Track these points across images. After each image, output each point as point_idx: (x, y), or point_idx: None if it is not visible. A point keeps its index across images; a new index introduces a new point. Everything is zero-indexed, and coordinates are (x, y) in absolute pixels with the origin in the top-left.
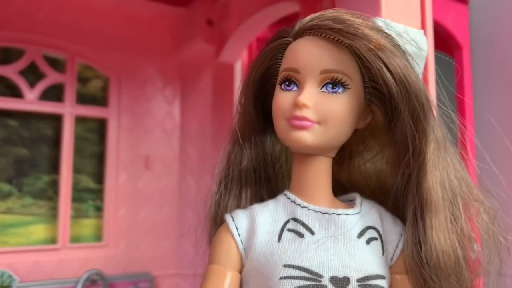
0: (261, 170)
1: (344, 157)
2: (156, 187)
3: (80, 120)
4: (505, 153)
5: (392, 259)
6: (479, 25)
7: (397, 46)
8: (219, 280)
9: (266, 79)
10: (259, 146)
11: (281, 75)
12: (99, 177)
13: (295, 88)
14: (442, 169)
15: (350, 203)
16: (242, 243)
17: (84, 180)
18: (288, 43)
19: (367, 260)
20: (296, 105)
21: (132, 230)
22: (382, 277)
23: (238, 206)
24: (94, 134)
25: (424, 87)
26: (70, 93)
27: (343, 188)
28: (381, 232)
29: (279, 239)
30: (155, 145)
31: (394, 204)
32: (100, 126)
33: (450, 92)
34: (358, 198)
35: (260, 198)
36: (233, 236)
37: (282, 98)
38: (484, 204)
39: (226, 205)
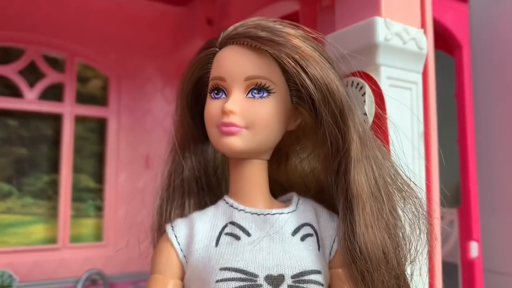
0: (203, 178)
1: (281, 159)
2: (156, 186)
3: (80, 120)
4: (505, 152)
5: (330, 254)
6: (479, 24)
7: (317, 51)
8: None
9: (199, 89)
10: (199, 155)
11: (210, 84)
12: (99, 177)
13: (223, 96)
14: (366, 163)
15: (289, 203)
16: (181, 250)
17: (84, 180)
18: (215, 53)
19: (301, 256)
20: (224, 112)
21: (132, 230)
22: (318, 271)
23: (182, 215)
24: (94, 133)
25: (342, 85)
26: (69, 93)
27: (283, 188)
28: (316, 228)
29: (217, 243)
30: (155, 144)
31: (330, 201)
32: (100, 126)
33: (450, 91)
34: (294, 197)
35: (204, 205)
36: (172, 245)
37: (212, 106)
38: (411, 193)
39: (169, 215)
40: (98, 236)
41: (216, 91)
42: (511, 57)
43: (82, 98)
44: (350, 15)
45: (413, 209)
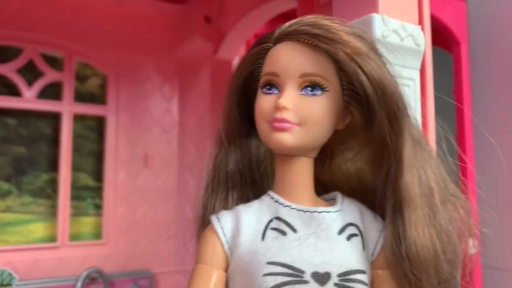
0: (247, 172)
1: (325, 158)
2: (155, 184)
3: (78, 118)
4: (503, 148)
5: (373, 254)
6: (477, 20)
7: (373, 49)
8: (205, 279)
9: (249, 84)
10: (244, 149)
11: (262, 79)
12: (98, 175)
13: (276, 91)
14: (418, 167)
15: (332, 202)
16: (227, 242)
17: (83, 178)
18: (269, 49)
19: (347, 255)
20: (277, 108)
21: (131, 228)
22: (363, 272)
23: (225, 208)
24: (93, 132)
25: (399, 88)
26: (68, 91)
27: (325, 187)
28: (361, 228)
29: (263, 237)
30: (154, 142)
31: (374, 202)
32: (99, 124)
33: (448, 88)
34: (339, 196)
35: (246, 199)
36: (218, 236)
37: (264, 101)
38: (460, 198)
39: (213, 207)
40: (97, 234)
41: (268, 86)
42: (509, 53)
43: (81, 97)
44: (348, 12)
45: (463, 216)
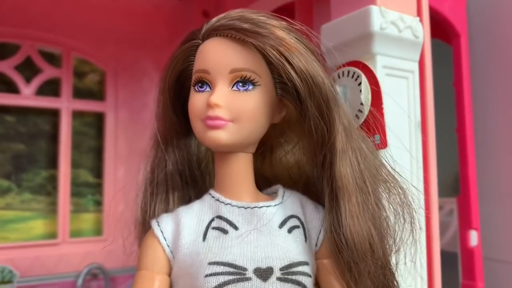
0: (187, 172)
1: (265, 152)
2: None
3: (77, 115)
4: (504, 140)
5: (316, 245)
6: (477, 12)
7: (301, 42)
8: (148, 285)
9: (182, 82)
10: (183, 149)
11: (193, 77)
12: (98, 171)
13: (207, 89)
14: (351, 154)
15: (274, 195)
16: (168, 246)
17: (83, 175)
18: (198, 45)
19: (289, 248)
20: (209, 105)
21: (132, 224)
22: (305, 263)
23: (166, 210)
24: (92, 128)
25: (327, 77)
26: (66, 88)
27: (268, 181)
28: (303, 220)
29: (204, 238)
30: None
31: (315, 192)
32: (98, 121)
33: (448, 81)
34: (280, 189)
35: (188, 199)
36: (159, 241)
37: (196, 100)
38: (394, 183)
39: (154, 210)
40: (98, 231)
41: (200, 84)
42: (509, 45)
43: (79, 93)
44: (346, 5)
45: (398, 200)
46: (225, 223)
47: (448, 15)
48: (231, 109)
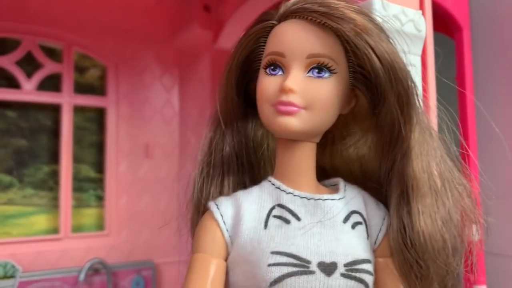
0: (243, 157)
1: (326, 143)
2: (157, 175)
3: (78, 110)
4: (506, 135)
5: (375, 242)
6: (480, 5)
7: (382, 30)
8: (205, 269)
9: (248, 64)
10: (241, 132)
11: (265, 59)
12: (100, 167)
13: (280, 72)
14: (426, 154)
15: (333, 188)
16: (227, 231)
17: (85, 170)
18: (272, 26)
19: (353, 244)
20: (283, 90)
21: (133, 219)
22: (368, 261)
23: (221, 194)
24: (93, 123)
25: (409, 72)
26: (67, 83)
27: (325, 173)
28: (365, 216)
29: (266, 225)
30: (155, 133)
31: (377, 189)
32: (99, 115)
33: (450, 75)
34: (341, 183)
35: (243, 185)
36: (218, 224)
37: (267, 83)
38: (466, 187)
39: (209, 192)
40: (100, 226)
41: (272, 67)
42: None
43: (81, 88)
44: None
45: (469, 205)
46: (287, 212)
47: (450, 8)
48: (305, 96)
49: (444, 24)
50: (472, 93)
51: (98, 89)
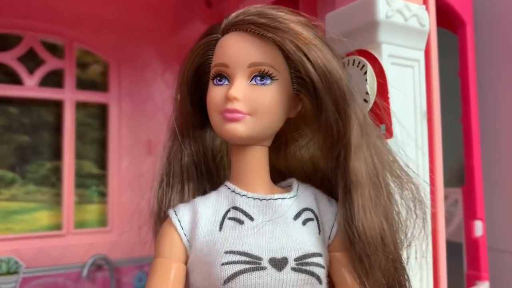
0: (202, 165)
1: (280, 145)
2: (155, 172)
3: (80, 106)
4: (509, 130)
5: (329, 237)
6: (483, 0)
7: (318, 37)
8: (165, 273)
9: (200, 76)
10: (199, 142)
11: (212, 71)
12: (102, 163)
13: (226, 82)
14: (366, 150)
15: (288, 188)
16: (185, 235)
17: (87, 166)
18: (217, 39)
19: (303, 240)
20: (228, 98)
21: (136, 215)
22: (319, 254)
23: (182, 201)
24: (95, 119)
25: (344, 74)
26: (69, 79)
27: (282, 175)
28: (317, 213)
29: (221, 227)
30: (157, 130)
31: (328, 186)
32: (101, 112)
33: (454, 70)
34: (294, 183)
35: (203, 191)
36: (176, 229)
37: (215, 93)
38: (408, 178)
39: (169, 201)
40: (102, 222)
41: (219, 78)
42: None
43: (83, 84)
44: None
45: (410, 195)
46: (241, 213)
47: (454, 3)
48: (249, 103)
49: (447, 19)
50: (475, 89)
51: (100, 85)
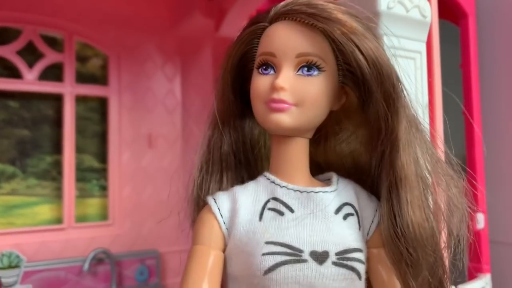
0: (241, 154)
1: (320, 138)
2: (160, 165)
3: (80, 100)
4: (511, 122)
5: (368, 233)
6: None
7: (368, 29)
8: (203, 259)
9: (243, 64)
10: (238, 131)
11: (258, 60)
12: (103, 156)
13: (272, 72)
14: (414, 147)
15: (327, 182)
16: (224, 223)
17: (88, 160)
18: (264, 28)
19: (344, 234)
20: (274, 88)
21: (137, 208)
22: (359, 250)
23: (220, 189)
24: (96, 113)
25: (395, 68)
26: (69, 73)
27: (319, 168)
28: (357, 208)
29: (260, 218)
30: (157, 123)
31: (369, 182)
32: (101, 105)
33: (455, 61)
34: (334, 176)
35: (241, 180)
36: (215, 217)
37: (260, 82)
38: (453, 178)
39: (208, 188)
40: (103, 216)
41: (264, 67)
42: None
43: (82, 78)
44: None
45: (456, 195)
46: (281, 205)
47: None
48: (295, 93)
49: (449, 11)
50: (477, 81)
51: (100, 79)
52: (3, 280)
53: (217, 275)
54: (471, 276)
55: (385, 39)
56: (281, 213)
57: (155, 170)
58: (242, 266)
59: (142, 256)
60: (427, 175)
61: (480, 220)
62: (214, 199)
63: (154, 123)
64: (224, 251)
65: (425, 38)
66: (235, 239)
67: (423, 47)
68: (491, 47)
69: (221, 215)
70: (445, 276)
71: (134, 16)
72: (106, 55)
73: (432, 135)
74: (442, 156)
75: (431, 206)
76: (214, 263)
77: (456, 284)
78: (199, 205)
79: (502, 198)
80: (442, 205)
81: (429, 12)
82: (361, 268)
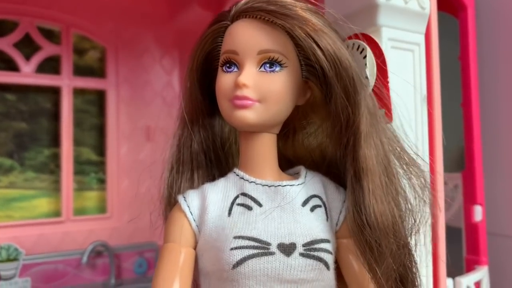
0: (211, 152)
1: (288, 133)
2: (158, 158)
3: (78, 92)
4: (510, 115)
5: (337, 224)
6: None
7: (327, 25)
8: (174, 257)
9: (209, 63)
10: (208, 129)
11: (221, 58)
12: (101, 149)
13: (235, 69)
14: (375, 137)
15: (296, 176)
16: (194, 220)
17: (86, 153)
18: (227, 26)
19: (311, 226)
20: (237, 85)
21: (135, 201)
22: (327, 241)
23: (191, 188)
24: (93, 106)
25: (353, 61)
26: (67, 65)
27: (289, 162)
28: (324, 200)
29: (229, 213)
30: (156, 116)
31: (336, 174)
32: (99, 98)
33: (454, 54)
34: (302, 170)
35: (212, 178)
36: (185, 215)
37: (224, 80)
38: (415, 166)
39: (179, 187)
40: (102, 208)
41: (228, 65)
42: None
43: (80, 70)
44: None
45: (419, 182)
46: (250, 200)
47: None
48: (258, 90)
49: (448, 3)
50: (476, 73)
51: (98, 71)
52: (2, 273)
53: (188, 272)
54: (469, 268)
55: (384, 30)
56: (249, 208)
57: (153, 162)
58: (212, 261)
59: (141, 248)
60: (391, 164)
61: (478, 213)
62: (184, 197)
63: (152, 116)
64: (195, 248)
65: (423, 30)
66: (205, 235)
67: (421, 39)
68: (490, 40)
69: (190, 212)
70: (411, 262)
71: (132, 8)
72: (104, 47)
73: (431, 129)
74: (406, 147)
75: (394, 194)
76: (185, 260)
77: (453, 276)
78: (171, 203)
79: (500, 191)
80: (405, 194)
81: (428, 3)
82: (329, 258)
